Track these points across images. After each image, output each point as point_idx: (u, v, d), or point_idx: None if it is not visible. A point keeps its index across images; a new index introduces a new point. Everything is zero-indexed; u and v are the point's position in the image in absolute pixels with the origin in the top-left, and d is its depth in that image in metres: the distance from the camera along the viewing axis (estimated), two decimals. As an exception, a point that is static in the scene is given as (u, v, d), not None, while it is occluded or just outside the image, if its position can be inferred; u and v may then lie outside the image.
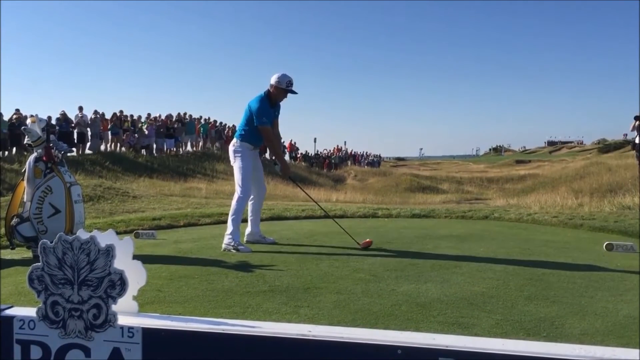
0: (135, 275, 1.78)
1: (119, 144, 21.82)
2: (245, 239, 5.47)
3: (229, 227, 5.21)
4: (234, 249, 5.09)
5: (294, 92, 5.38)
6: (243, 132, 5.43)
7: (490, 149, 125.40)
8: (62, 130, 17.83)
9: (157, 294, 3.49)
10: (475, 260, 4.58)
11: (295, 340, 1.58)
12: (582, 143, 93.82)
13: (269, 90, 5.36)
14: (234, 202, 5.35)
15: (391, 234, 6.19)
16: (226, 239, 5.19)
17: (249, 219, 5.59)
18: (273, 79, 5.33)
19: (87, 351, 1.69)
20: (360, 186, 30.47)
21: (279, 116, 5.63)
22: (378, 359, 1.51)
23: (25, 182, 5.17)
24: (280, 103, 5.52)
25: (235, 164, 5.42)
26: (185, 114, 25.79)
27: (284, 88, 5.32)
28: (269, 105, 5.35)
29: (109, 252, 1.67)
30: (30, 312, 1.76)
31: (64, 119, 18.93)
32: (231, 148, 5.49)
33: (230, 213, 5.28)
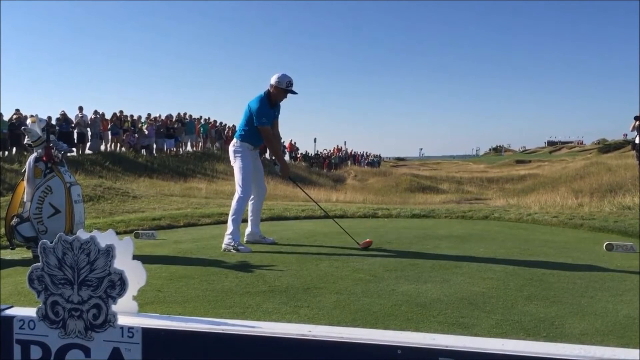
0: (135, 276, 1.78)
1: (119, 144, 21.82)
2: (245, 239, 5.47)
3: (229, 227, 5.21)
4: (233, 249, 5.10)
5: (293, 92, 5.38)
6: (243, 132, 5.44)
7: (490, 149, 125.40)
8: (62, 130, 17.83)
9: (157, 294, 3.49)
10: (475, 261, 4.58)
11: (295, 341, 1.59)
12: (582, 143, 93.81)
13: (268, 91, 5.37)
14: (234, 203, 5.36)
15: (391, 234, 6.19)
16: (226, 239, 5.20)
17: (249, 219, 5.60)
18: (273, 79, 5.33)
19: (87, 351, 1.69)
20: (360, 186, 30.46)
21: (279, 116, 5.63)
22: (378, 359, 1.51)
23: (25, 182, 5.17)
24: (280, 103, 5.53)
25: (236, 164, 5.43)
26: (185, 114, 25.79)
27: (283, 88, 5.33)
28: (268, 105, 5.36)
29: (109, 252, 1.67)
30: (30, 312, 1.76)
31: (64, 119, 18.93)
32: (231, 148, 5.51)
33: (231, 213, 5.30)
